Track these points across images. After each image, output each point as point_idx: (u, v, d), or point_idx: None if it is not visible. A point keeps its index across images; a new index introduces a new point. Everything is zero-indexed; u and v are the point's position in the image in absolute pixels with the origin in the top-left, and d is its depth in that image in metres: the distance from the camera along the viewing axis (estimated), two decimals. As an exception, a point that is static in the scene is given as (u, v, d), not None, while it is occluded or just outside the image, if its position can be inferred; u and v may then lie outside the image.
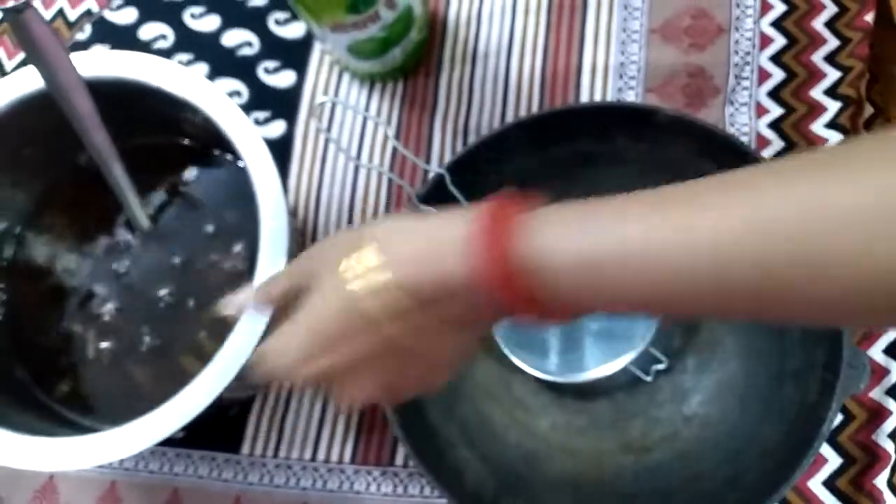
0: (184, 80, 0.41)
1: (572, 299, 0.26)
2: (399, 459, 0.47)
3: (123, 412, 0.42)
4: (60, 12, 0.57)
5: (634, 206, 0.25)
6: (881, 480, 0.44)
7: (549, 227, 0.26)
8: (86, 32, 0.56)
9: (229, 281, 0.45)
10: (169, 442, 0.47)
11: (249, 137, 0.40)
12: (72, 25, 0.57)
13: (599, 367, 0.44)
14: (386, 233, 0.29)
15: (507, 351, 0.44)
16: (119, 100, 0.42)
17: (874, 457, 0.44)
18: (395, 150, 0.51)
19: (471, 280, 0.26)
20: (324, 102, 0.53)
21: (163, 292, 0.45)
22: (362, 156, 0.52)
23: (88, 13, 0.57)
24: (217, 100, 0.41)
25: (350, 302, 0.28)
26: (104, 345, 0.45)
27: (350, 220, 0.51)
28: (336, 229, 0.51)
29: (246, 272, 0.40)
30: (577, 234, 0.25)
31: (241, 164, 0.40)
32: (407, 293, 0.27)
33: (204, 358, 0.44)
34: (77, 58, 0.41)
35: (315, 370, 0.30)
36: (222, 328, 0.44)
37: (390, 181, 0.51)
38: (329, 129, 0.52)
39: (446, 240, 0.27)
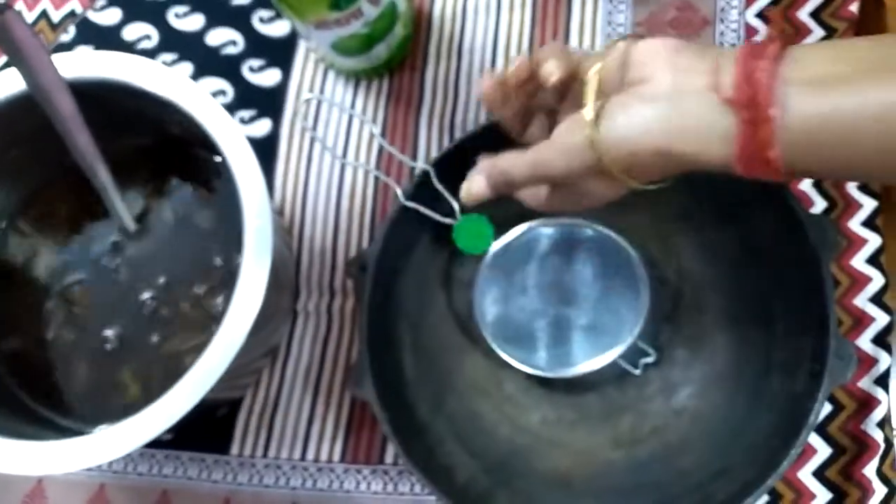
0: (166, 79, 0.41)
1: (809, 160, 0.29)
2: (389, 457, 0.47)
3: (111, 415, 0.42)
4: (44, 14, 0.57)
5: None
6: (870, 469, 0.44)
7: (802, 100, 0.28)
8: (70, 34, 0.56)
9: (215, 281, 0.45)
10: (158, 444, 0.47)
11: (231, 136, 0.39)
12: (55, 27, 0.56)
13: (588, 361, 0.44)
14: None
15: (495, 346, 0.44)
16: (102, 101, 0.42)
17: (863, 446, 0.44)
18: (381, 147, 0.51)
19: (729, 163, 0.29)
20: (309, 100, 0.52)
21: (148, 293, 0.45)
22: (348, 153, 0.51)
23: (72, 14, 0.57)
24: (200, 99, 0.40)
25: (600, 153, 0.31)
26: (89, 347, 0.45)
27: (337, 218, 0.51)
28: (322, 227, 0.50)
29: (232, 271, 0.40)
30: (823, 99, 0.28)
31: (224, 162, 0.40)
32: (661, 162, 0.31)
33: (190, 358, 0.44)
34: (59, 59, 0.41)
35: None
36: (207, 327, 0.44)
37: (377, 178, 0.51)
38: (315, 127, 0.52)
39: (717, 130, 0.29)
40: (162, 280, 0.45)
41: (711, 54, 0.30)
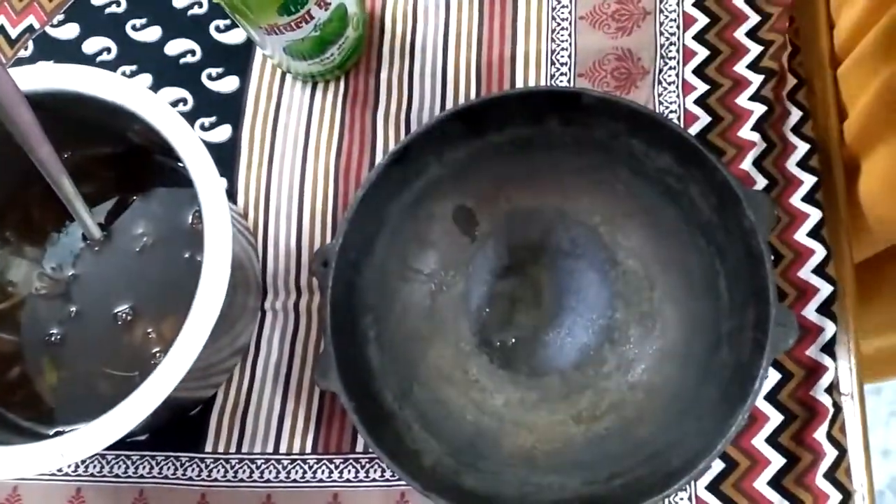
0: (125, 90, 0.42)
1: None
2: (359, 446, 0.48)
3: (83, 418, 0.43)
4: (1, 29, 0.58)
5: None
6: (821, 433, 0.45)
7: None
8: (29, 49, 0.57)
9: (181, 284, 0.46)
10: (132, 445, 0.48)
11: (188, 140, 0.41)
12: (13, 42, 0.57)
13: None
14: None
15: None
16: (63, 112, 0.43)
17: (813, 412, 0.46)
18: (339, 147, 0.53)
19: None
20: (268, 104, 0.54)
21: (115, 299, 0.46)
22: (308, 155, 0.53)
23: (30, 29, 0.57)
24: (157, 107, 0.41)
25: None
26: (58, 354, 0.46)
27: (300, 218, 0.52)
28: (286, 228, 0.52)
29: (196, 273, 0.41)
30: None
31: (184, 167, 0.41)
32: None
33: (156, 361, 0.45)
34: (18, 73, 0.41)
35: None
36: (174, 331, 0.45)
37: (336, 179, 0.52)
38: (274, 130, 0.53)
39: None
40: (128, 285, 0.46)
41: None
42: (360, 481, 0.47)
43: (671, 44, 0.52)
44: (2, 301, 0.47)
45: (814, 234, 0.49)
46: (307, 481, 0.47)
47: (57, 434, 0.39)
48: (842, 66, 0.51)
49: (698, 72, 0.51)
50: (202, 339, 0.38)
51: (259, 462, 0.48)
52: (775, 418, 0.46)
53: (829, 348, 0.47)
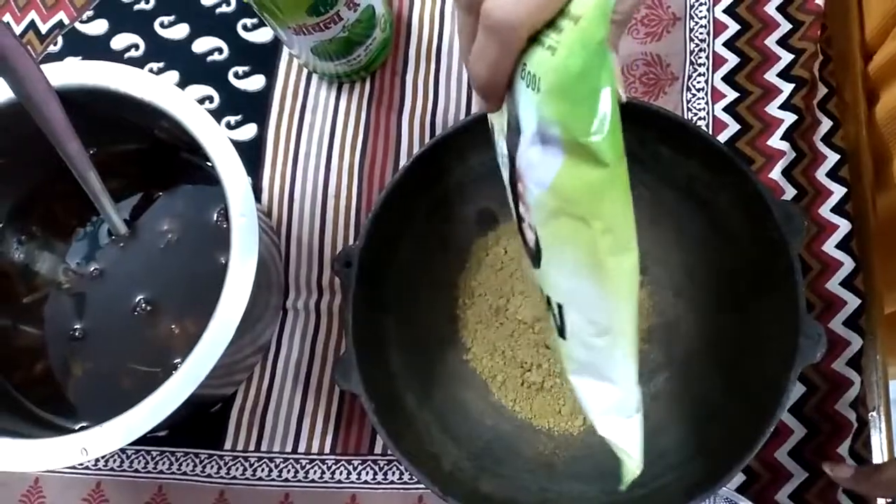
0: (154, 87, 0.42)
1: None
2: (378, 448, 0.48)
3: (106, 413, 0.43)
4: (32, 25, 0.58)
5: None
6: (843, 449, 0.45)
7: None
8: (58, 45, 0.57)
9: (204, 281, 0.46)
10: (152, 441, 0.49)
11: (216, 138, 0.41)
12: (43, 38, 0.58)
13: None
14: None
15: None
16: (92, 109, 0.43)
17: (837, 426, 0.46)
18: (364, 148, 0.53)
19: None
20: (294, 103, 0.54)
21: (139, 295, 0.46)
22: (333, 155, 0.53)
23: (60, 25, 0.58)
24: (185, 104, 0.42)
25: None
26: (82, 348, 0.46)
27: (323, 218, 0.52)
28: (309, 227, 0.52)
29: (219, 271, 0.41)
30: None
31: (210, 165, 0.41)
32: None
33: (179, 358, 0.45)
34: (49, 69, 0.42)
35: None
36: (197, 328, 0.45)
37: (360, 179, 0.52)
38: (300, 130, 0.53)
39: None
40: (153, 282, 0.47)
41: None
42: (379, 483, 0.47)
43: (701, 50, 0.51)
44: (27, 294, 0.47)
45: (842, 245, 0.48)
46: (325, 482, 0.47)
47: (81, 429, 0.39)
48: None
49: (728, 79, 0.51)
50: (227, 338, 0.38)
51: (278, 461, 0.48)
52: (798, 431, 0.46)
53: (854, 362, 0.47)
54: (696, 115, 0.50)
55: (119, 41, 0.57)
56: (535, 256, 0.30)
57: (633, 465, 0.32)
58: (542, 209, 0.28)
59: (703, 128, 0.49)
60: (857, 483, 0.40)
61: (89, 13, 0.58)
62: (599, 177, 0.25)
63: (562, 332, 0.31)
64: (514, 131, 0.28)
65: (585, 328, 0.29)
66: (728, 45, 0.51)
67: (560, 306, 0.30)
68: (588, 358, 0.30)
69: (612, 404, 0.31)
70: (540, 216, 0.28)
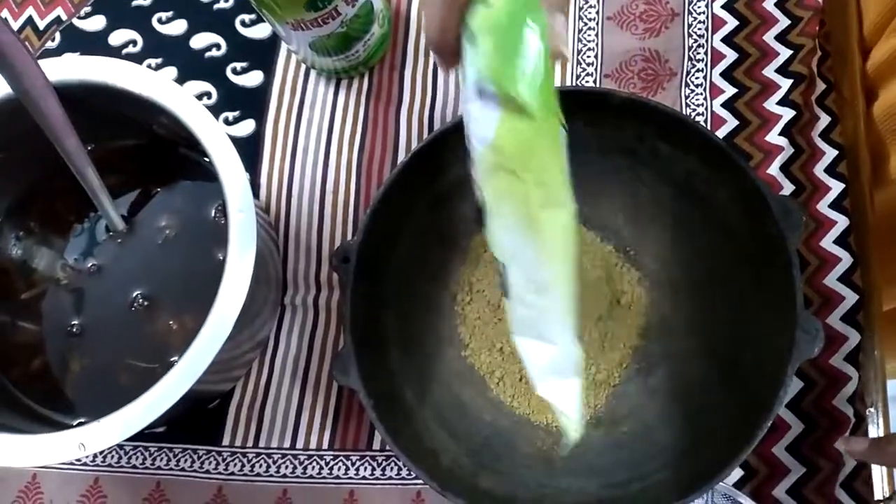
0: (152, 83, 0.42)
1: None
2: (377, 444, 0.48)
3: (104, 408, 0.43)
4: (29, 20, 0.58)
5: None
6: (841, 444, 0.45)
7: None
8: (56, 41, 0.57)
9: (202, 277, 0.46)
10: (150, 437, 0.49)
11: (214, 134, 0.41)
12: (41, 34, 0.58)
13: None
14: None
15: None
16: (90, 104, 0.43)
17: (834, 422, 0.46)
18: (362, 144, 0.53)
19: None
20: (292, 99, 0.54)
21: (136, 291, 0.46)
22: (331, 151, 0.53)
23: (58, 21, 0.58)
24: (183, 100, 0.42)
25: None
26: (79, 344, 0.46)
27: (321, 214, 0.52)
28: (307, 223, 0.52)
29: (217, 267, 0.41)
30: None
31: (209, 161, 0.41)
32: None
33: (177, 354, 0.45)
34: (46, 64, 0.42)
35: None
36: (195, 323, 0.45)
37: (359, 175, 0.52)
38: (298, 125, 0.53)
39: None
40: (150, 278, 0.46)
41: None
42: (377, 479, 0.47)
43: (699, 46, 0.51)
44: (25, 290, 0.47)
45: (840, 241, 0.48)
46: (323, 477, 0.48)
47: (78, 424, 0.39)
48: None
49: (726, 75, 0.51)
50: (225, 333, 0.38)
51: (276, 457, 0.48)
52: (796, 426, 0.46)
53: (852, 358, 0.47)
54: (694, 110, 0.50)
55: (117, 37, 0.57)
56: (481, 215, 0.30)
57: (572, 427, 0.32)
58: (484, 165, 0.28)
59: (702, 123, 0.49)
60: (872, 455, 0.40)
61: (87, 9, 0.58)
62: (529, 129, 0.26)
63: (506, 292, 0.31)
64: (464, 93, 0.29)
65: (525, 286, 0.30)
66: (726, 40, 0.51)
67: (504, 265, 0.30)
68: (528, 317, 0.30)
69: (551, 364, 0.31)
70: (482, 172, 0.29)
